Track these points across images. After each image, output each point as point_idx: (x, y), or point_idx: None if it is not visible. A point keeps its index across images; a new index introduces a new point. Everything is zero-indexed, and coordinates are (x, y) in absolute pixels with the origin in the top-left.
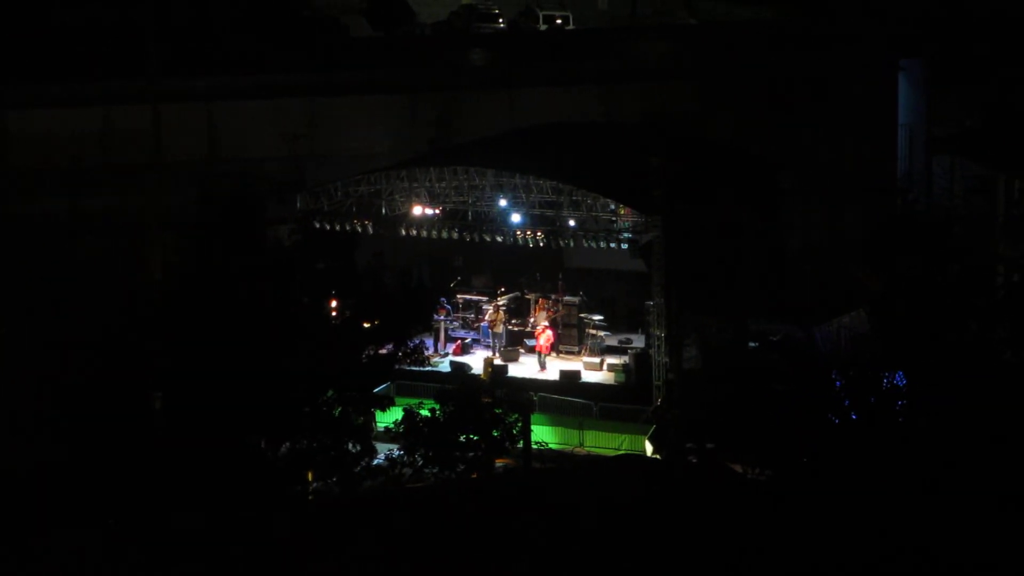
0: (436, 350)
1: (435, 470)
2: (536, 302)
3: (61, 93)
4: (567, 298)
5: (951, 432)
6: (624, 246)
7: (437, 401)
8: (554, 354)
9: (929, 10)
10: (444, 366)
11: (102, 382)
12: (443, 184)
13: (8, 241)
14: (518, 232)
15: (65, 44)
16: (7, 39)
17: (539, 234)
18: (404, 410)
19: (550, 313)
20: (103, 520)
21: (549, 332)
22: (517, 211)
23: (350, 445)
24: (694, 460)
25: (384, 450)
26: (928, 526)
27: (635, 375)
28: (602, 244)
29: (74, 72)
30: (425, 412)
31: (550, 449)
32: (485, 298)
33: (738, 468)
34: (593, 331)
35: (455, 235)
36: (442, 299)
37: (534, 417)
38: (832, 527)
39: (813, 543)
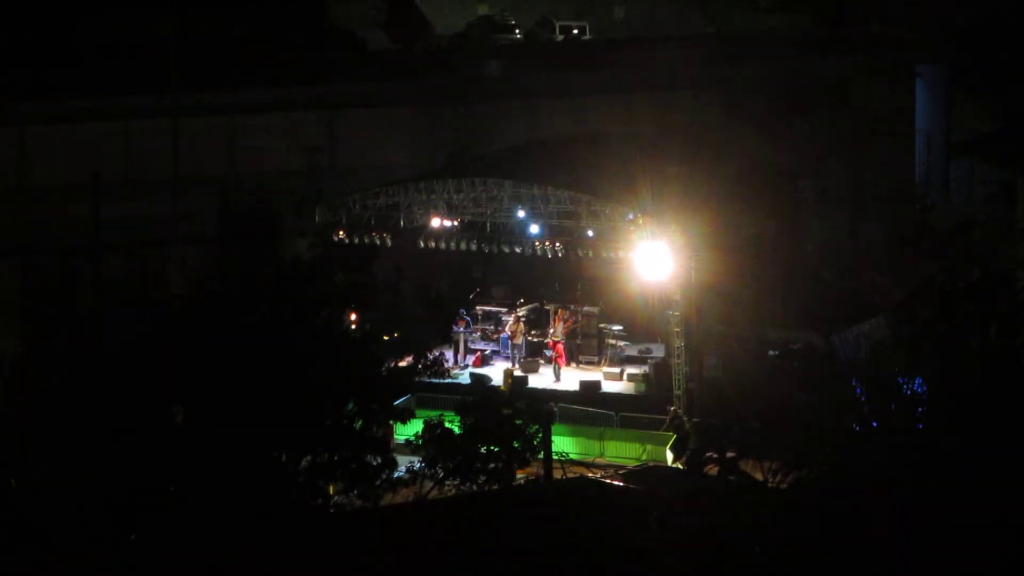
0: (456, 362)
1: (456, 482)
2: (555, 312)
3: (81, 108)
4: (586, 308)
5: (971, 439)
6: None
7: (457, 413)
8: (574, 364)
9: (947, 16)
10: (464, 378)
11: (124, 396)
12: (461, 196)
13: (30, 255)
14: (536, 243)
15: (85, 59)
16: (28, 54)
17: (557, 244)
18: (424, 422)
19: (568, 324)
20: (125, 534)
21: (553, 337)
22: (535, 222)
23: (370, 458)
24: (714, 469)
25: (405, 462)
26: (949, 534)
27: (655, 384)
28: (620, 254)
29: (94, 87)
30: (448, 424)
31: (571, 459)
32: (504, 309)
33: (759, 476)
34: (612, 341)
35: (474, 247)
36: (461, 311)
37: (555, 427)
38: (854, 534)
39: (835, 551)
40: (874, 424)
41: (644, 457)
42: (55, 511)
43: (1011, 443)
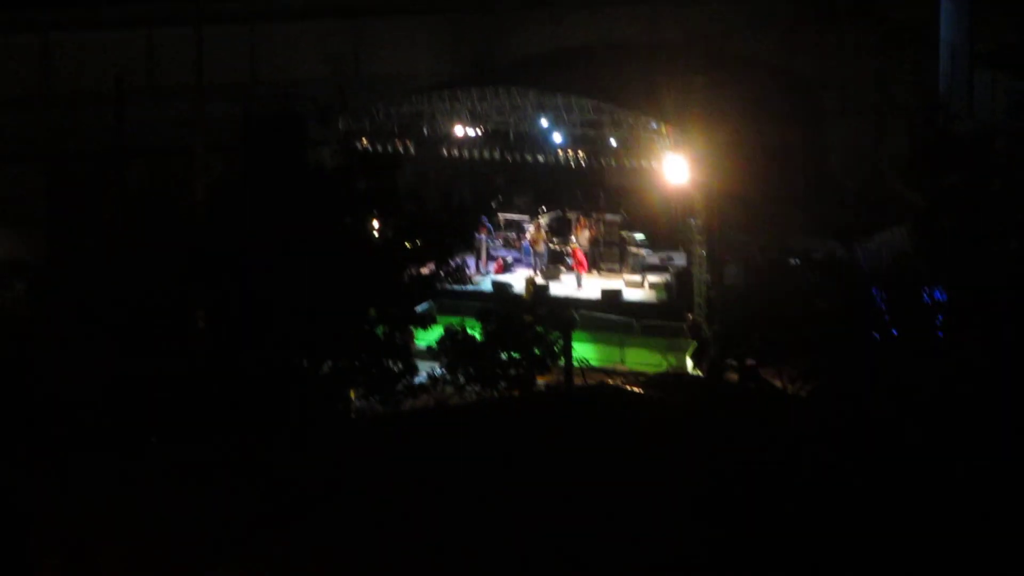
0: (478, 269)
1: (477, 388)
2: (577, 220)
3: (104, 14)
4: (608, 216)
5: (992, 347)
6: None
7: (479, 320)
8: (595, 272)
9: None
10: (486, 285)
11: (148, 302)
12: (485, 104)
13: (54, 161)
14: (560, 152)
15: None
16: None
17: (580, 153)
18: (445, 328)
19: (592, 232)
20: (146, 441)
21: (573, 246)
22: (558, 131)
23: (391, 363)
24: (735, 376)
25: (426, 368)
26: (966, 447)
27: (676, 293)
28: (643, 163)
29: None
30: (467, 331)
31: (592, 367)
32: (527, 217)
33: (778, 384)
34: (634, 249)
35: (497, 155)
36: (483, 218)
37: (575, 335)
38: (872, 445)
39: (851, 462)
40: (894, 332)
41: (665, 365)
42: (76, 419)
43: None
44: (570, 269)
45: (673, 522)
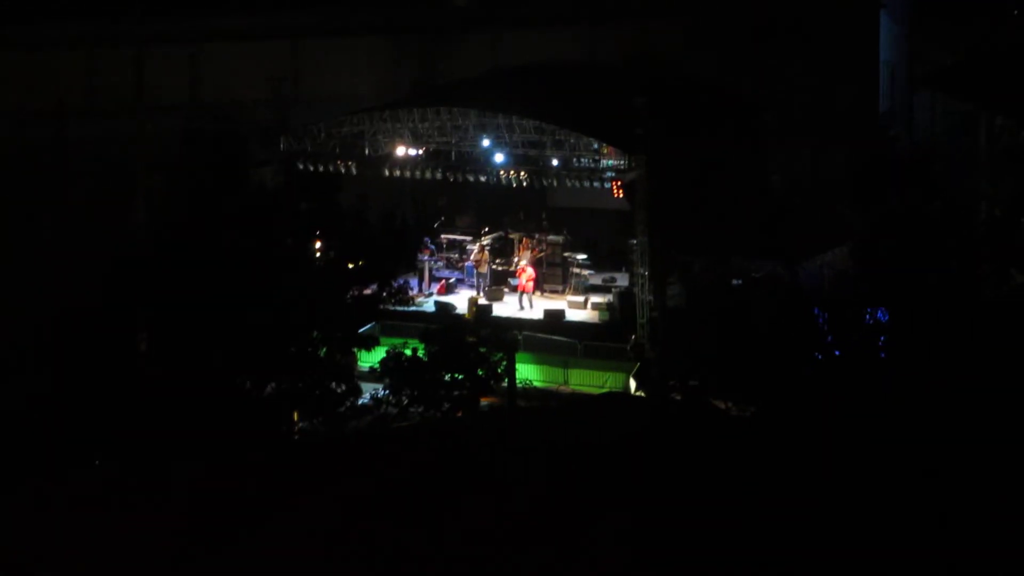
0: (420, 290)
1: (420, 409)
2: (520, 241)
3: (45, 34)
4: (551, 237)
5: (932, 366)
6: (607, 185)
7: (422, 341)
8: (538, 293)
9: None
10: (429, 306)
11: (89, 323)
12: (426, 125)
13: None
14: (501, 172)
15: None
16: None
17: (522, 174)
18: (388, 350)
19: (535, 252)
20: (88, 460)
21: (530, 271)
22: (500, 151)
23: (335, 385)
24: (678, 397)
25: (369, 390)
26: (910, 458)
27: (619, 313)
28: (585, 183)
29: (58, 13)
30: (409, 352)
31: (535, 387)
32: (469, 238)
33: (721, 405)
34: (577, 270)
35: (439, 175)
36: (426, 239)
37: (519, 356)
38: (816, 461)
39: (797, 478)
40: (836, 353)
41: (608, 385)
42: (19, 441)
43: (970, 370)
44: (514, 290)
45: None
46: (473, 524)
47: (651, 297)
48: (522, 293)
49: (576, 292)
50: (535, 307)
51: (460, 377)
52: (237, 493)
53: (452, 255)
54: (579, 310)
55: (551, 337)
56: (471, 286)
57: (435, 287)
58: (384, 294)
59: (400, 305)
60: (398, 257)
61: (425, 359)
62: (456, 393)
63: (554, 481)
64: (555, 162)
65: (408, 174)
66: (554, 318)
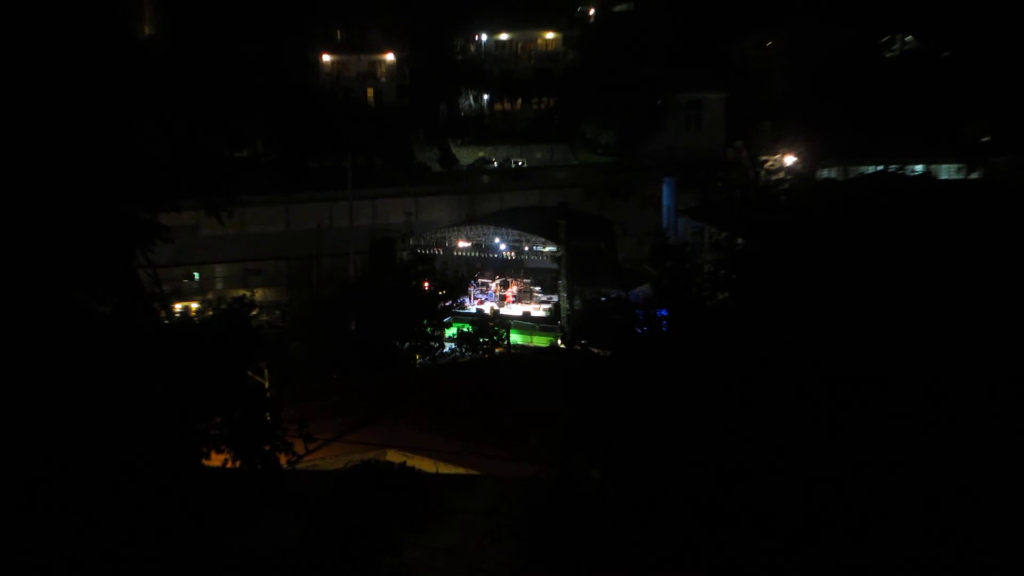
0: (469, 303)
1: (470, 354)
2: (510, 281)
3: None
4: (525, 280)
5: (689, 340)
6: (548, 257)
7: (470, 324)
8: (521, 303)
9: (680, 161)
10: (472, 310)
11: (329, 312)
12: (472, 232)
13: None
14: (504, 252)
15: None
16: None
17: (513, 253)
18: (457, 329)
19: (517, 286)
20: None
21: (516, 293)
22: (502, 243)
23: (434, 343)
24: (578, 348)
25: (449, 346)
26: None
27: (555, 313)
28: (537, 256)
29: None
30: (465, 328)
31: (519, 344)
32: (491, 281)
33: (597, 351)
34: (535, 292)
35: (476, 254)
36: (472, 281)
37: (512, 330)
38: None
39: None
40: (644, 329)
41: (549, 343)
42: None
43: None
44: (508, 303)
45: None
46: (491, 389)
47: (568, 305)
48: (511, 303)
49: (535, 303)
50: (517, 310)
51: (486, 340)
52: (401, 384)
53: (482, 288)
54: (537, 311)
55: (524, 322)
56: (492, 301)
57: (475, 301)
58: (453, 305)
59: (460, 309)
60: (459, 289)
61: (471, 332)
62: (486, 346)
63: (527, 372)
64: (526, 248)
65: (464, 254)
66: (526, 315)
